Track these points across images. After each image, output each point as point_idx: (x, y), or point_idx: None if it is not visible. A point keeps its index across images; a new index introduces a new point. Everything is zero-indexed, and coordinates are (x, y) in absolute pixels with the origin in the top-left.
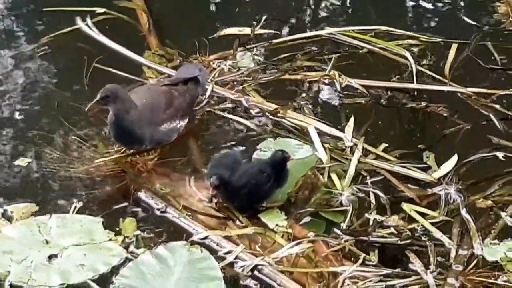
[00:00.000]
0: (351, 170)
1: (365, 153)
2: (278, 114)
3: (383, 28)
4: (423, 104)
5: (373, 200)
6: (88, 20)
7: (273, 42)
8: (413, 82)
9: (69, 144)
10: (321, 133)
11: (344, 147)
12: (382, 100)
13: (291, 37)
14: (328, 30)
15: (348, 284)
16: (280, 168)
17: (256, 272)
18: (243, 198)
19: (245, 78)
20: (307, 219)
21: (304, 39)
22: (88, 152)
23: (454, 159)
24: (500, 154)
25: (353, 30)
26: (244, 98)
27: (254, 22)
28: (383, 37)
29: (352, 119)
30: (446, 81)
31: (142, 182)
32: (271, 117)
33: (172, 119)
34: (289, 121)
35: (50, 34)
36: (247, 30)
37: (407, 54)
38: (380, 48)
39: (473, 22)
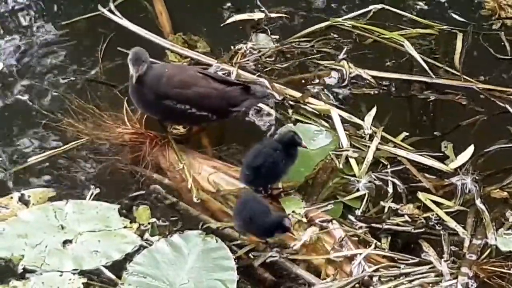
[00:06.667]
0: (369, 157)
1: (383, 141)
2: (299, 100)
3: (379, 6)
4: (438, 94)
5: (390, 188)
6: (111, 5)
7: (284, 42)
8: (426, 74)
9: (89, 115)
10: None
11: (362, 135)
12: (393, 90)
13: (300, 33)
14: (334, 20)
15: (362, 270)
16: (289, 148)
17: (269, 261)
18: (262, 178)
19: (267, 59)
20: (324, 203)
21: (314, 32)
22: (108, 122)
23: (470, 149)
24: None
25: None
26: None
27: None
28: (397, 26)
29: (374, 109)
30: (458, 73)
31: (156, 154)
32: (290, 102)
33: (180, 99)
34: (309, 107)
35: (70, 20)
36: (257, 15)
37: (406, 43)
38: (384, 38)
39: (460, 19)
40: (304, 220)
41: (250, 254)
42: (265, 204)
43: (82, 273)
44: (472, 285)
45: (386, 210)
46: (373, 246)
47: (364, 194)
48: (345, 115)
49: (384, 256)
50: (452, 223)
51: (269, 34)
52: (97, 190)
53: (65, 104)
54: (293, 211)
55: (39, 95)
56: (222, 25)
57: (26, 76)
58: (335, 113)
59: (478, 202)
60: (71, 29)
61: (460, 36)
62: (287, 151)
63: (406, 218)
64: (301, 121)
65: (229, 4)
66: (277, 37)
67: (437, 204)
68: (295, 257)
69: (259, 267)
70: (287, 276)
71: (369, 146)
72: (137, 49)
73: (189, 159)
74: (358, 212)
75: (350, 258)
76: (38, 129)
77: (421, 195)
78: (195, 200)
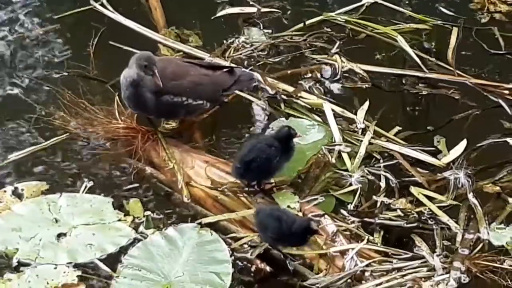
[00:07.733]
0: (362, 151)
1: (376, 136)
2: (292, 94)
3: (372, 0)
4: (430, 89)
5: (382, 183)
6: None
7: (276, 36)
8: (418, 69)
9: (80, 109)
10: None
11: (355, 129)
12: (384, 84)
13: (293, 28)
14: (327, 14)
15: (355, 265)
16: (286, 143)
17: (264, 254)
18: (253, 173)
19: (260, 53)
20: (316, 197)
21: (307, 26)
22: (100, 117)
23: (463, 144)
24: (511, 140)
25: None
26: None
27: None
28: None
29: (367, 103)
30: (451, 68)
31: (148, 149)
32: (283, 96)
33: (177, 91)
34: (302, 101)
35: (62, 14)
36: (248, 9)
37: (399, 38)
38: (377, 33)
39: (449, 13)
40: (300, 214)
41: (245, 246)
42: (292, 213)
43: (76, 266)
44: (464, 280)
45: (378, 204)
46: (365, 240)
47: (357, 189)
48: (338, 109)
49: (376, 251)
50: (444, 218)
51: (261, 28)
52: (91, 183)
53: (57, 98)
54: (288, 206)
55: (31, 89)
56: (212, 17)
57: (18, 70)
58: (328, 108)
59: (470, 196)
60: (63, 23)
61: (454, 31)
62: (284, 146)
63: (399, 212)
64: (294, 116)
65: None
66: (269, 31)
67: (430, 198)
68: (290, 251)
69: (255, 258)
70: (281, 269)
71: (361, 141)
72: (146, 53)
73: (182, 153)
74: (350, 207)
75: (342, 253)
76: (30, 122)
77: (413, 189)
78: (185, 200)
